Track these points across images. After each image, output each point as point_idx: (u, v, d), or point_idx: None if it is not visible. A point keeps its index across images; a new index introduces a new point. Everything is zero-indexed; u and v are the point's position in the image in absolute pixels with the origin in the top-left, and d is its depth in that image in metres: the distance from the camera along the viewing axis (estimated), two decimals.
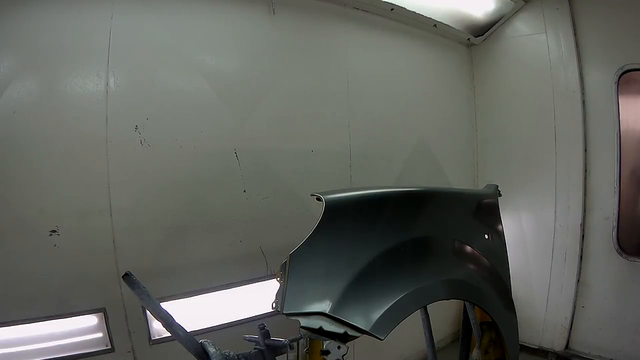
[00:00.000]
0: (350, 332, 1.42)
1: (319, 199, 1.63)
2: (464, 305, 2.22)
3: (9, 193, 1.80)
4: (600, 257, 3.20)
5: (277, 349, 1.58)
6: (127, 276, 1.51)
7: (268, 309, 1.63)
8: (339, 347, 1.42)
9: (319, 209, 1.60)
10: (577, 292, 3.30)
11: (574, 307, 3.32)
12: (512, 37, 3.61)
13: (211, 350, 1.46)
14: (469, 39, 3.75)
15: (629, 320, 3.06)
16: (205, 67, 2.32)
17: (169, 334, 1.52)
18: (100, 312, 1.98)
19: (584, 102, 3.23)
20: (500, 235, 2.13)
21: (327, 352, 1.42)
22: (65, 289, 1.90)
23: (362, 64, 3.02)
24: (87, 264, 1.95)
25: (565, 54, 3.28)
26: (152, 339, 2.12)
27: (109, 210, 2.00)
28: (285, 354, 1.56)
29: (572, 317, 3.33)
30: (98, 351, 1.97)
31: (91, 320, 1.97)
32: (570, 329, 3.35)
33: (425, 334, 2.01)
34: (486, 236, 2.05)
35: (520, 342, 2.34)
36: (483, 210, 2.12)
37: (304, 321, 1.46)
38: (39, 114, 1.86)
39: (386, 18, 3.14)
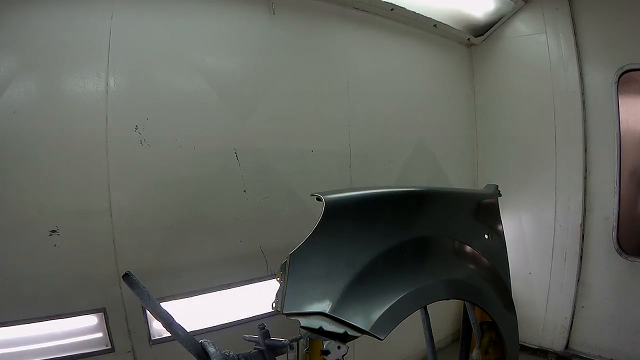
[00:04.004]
0: (350, 332, 1.42)
1: (319, 199, 1.63)
2: (464, 305, 2.22)
3: (8, 193, 1.80)
4: (600, 257, 3.20)
5: (277, 349, 1.58)
6: (127, 276, 1.51)
7: (268, 309, 1.63)
8: (339, 347, 1.42)
9: (319, 209, 1.60)
10: (577, 292, 3.30)
11: (574, 307, 3.32)
12: (512, 37, 3.61)
13: (211, 350, 1.47)
14: (469, 39, 3.75)
15: (629, 320, 3.06)
16: (205, 67, 2.32)
17: (169, 334, 1.52)
18: (100, 312, 1.98)
19: (584, 102, 3.23)
20: (500, 235, 2.13)
21: (327, 352, 1.42)
22: (65, 289, 1.90)
23: (362, 64, 3.02)
24: (87, 264, 1.94)
25: (565, 54, 3.28)
26: (152, 339, 2.12)
27: (109, 210, 2.00)
28: (285, 354, 1.56)
29: (572, 317, 3.33)
30: (98, 351, 1.97)
31: (91, 320, 1.97)
32: (570, 329, 3.35)
33: (425, 334, 2.01)
34: (486, 236, 2.04)
35: (520, 342, 2.34)
36: (483, 210, 2.12)
37: (304, 321, 1.46)
38: (39, 114, 1.86)
39: (386, 18, 3.14)
